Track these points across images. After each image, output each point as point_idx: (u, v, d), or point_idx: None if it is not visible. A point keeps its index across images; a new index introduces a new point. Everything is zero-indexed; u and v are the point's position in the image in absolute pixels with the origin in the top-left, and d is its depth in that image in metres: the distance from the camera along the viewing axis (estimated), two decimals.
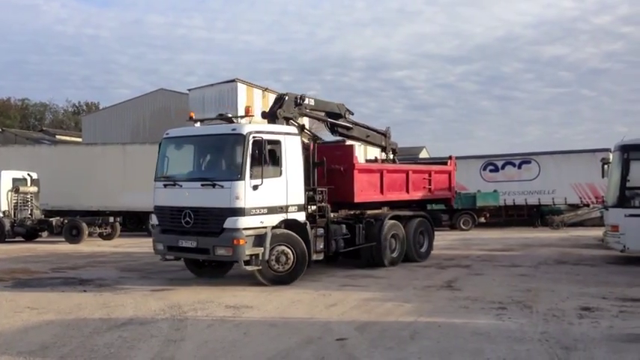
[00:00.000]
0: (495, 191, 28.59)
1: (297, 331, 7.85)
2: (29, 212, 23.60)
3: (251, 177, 10.81)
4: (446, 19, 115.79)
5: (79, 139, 45.07)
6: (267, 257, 11.04)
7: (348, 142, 15.20)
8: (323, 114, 14.24)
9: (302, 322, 8.43)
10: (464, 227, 27.67)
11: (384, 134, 15.91)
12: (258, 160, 10.92)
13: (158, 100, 40.49)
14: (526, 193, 29.60)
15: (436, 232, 24.00)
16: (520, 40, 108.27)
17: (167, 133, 12.31)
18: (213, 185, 10.92)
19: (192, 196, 11.20)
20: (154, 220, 12.01)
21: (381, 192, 14.24)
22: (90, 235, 22.76)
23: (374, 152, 20.01)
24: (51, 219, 23.24)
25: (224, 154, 11.75)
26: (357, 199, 13.35)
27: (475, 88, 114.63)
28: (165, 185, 11.76)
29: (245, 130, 11.07)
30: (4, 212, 22.90)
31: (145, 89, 42.23)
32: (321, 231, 12.28)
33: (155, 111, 39.91)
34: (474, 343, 7.04)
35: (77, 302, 10.03)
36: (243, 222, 10.72)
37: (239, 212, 10.70)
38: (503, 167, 30.50)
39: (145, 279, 12.77)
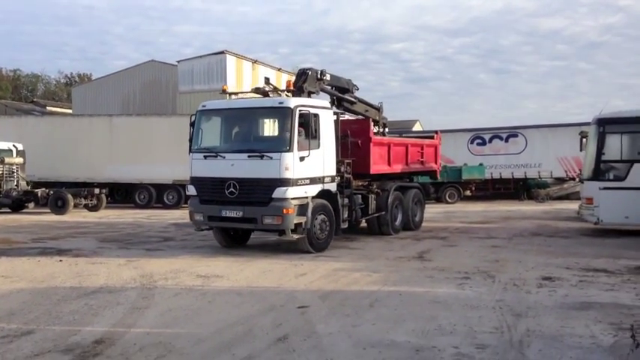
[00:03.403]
0: (481, 164, 28.66)
1: (261, 299, 8.03)
2: (15, 183, 23.60)
3: (298, 149, 11.19)
4: None
5: (70, 111, 44.93)
6: (309, 225, 11.44)
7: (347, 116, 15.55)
8: (332, 88, 14.43)
9: (268, 290, 8.61)
10: (449, 200, 27.88)
11: (378, 109, 16.17)
12: (303, 133, 11.32)
13: (149, 71, 40.35)
14: (513, 166, 29.72)
15: None
16: (518, 13, 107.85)
17: (203, 105, 12.44)
18: (262, 157, 11.18)
19: (238, 167, 11.40)
20: (191, 190, 12.17)
21: (389, 164, 15.04)
22: (76, 206, 22.86)
23: None
24: (36, 190, 23.32)
25: (269, 126, 12.22)
26: (372, 171, 14.09)
27: (472, 61, 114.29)
28: (205, 157, 11.91)
29: (292, 104, 11.41)
30: None
31: (141, 61, 41.84)
32: (346, 201, 12.85)
33: (146, 82, 39.82)
34: (430, 311, 7.23)
35: (51, 271, 10.19)
36: (291, 192, 11.11)
37: (287, 183, 11.07)
38: (490, 141, 30.56)
39: (123, 249, 12.92)
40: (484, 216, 20.50)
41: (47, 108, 54.33)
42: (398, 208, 15.23)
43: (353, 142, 13.54)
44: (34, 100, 65.89)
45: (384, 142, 15.08)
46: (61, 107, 54.96)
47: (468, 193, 28.66)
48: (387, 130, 16.76)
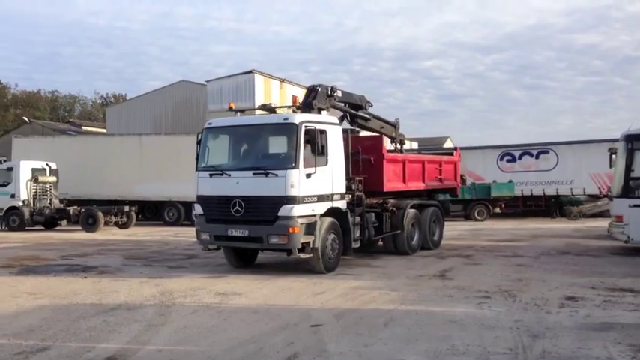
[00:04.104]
0: (510, 181, 28.27)
1: (276, 317, 8.02)
2: (48, 201, 24.25)
3: (304, 166, 10.97)
4: (476, 8, 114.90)
5: (105, 130, 45.86)
6: (317, 245, 11.18)
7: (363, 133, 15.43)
8: (345, 105, 14.27)
9: (284, 308, 8.59)
10: (478, 218, 27.50)
11: (395, 125, 16.04)
12: (309, 149, 11.11)
13: (180, 91, 40.99)
14: (544, 183, 29.23)
15: (449, 223, 24.01)
16: (552, 29, 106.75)
17: (209, 123, 12.34)
18: (267, 174, 10.98)
19: (243, 185, 11.23)
20: (197, 210, 12.04)
21: (404, 182, 14.72)
22: (106, 224, 23.29)
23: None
24: (69, 208, 23.86)
25: (275, 143, 11.90)
26: (385, 189, 13.75)
27: (505, 77, 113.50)
28: (211, 175, 11.77)
29: (297, 120, 11.22)
30: (23, 201, 23.64)
31: (175, 81, 42.64)
32: (358, 219, 12.54)
33: (177, 102, 40.45)
34: (445, 331, 7.12)
35: (75, 288, 10.37)
36: (297, 210, 10.86)
37: (293, 200, 10.84)
38: (520, 157, 30.12)
39: (146, 267, 13.08)
40: (512, 234, 20.17)
41: (83, 128, 55.64)
42: (415, 226, 14.81)
43: (365, 159, 13.27)
44: (70, 120, 67.53)
45: (398, 159, 14.78)
46: (96, 127, 56.22)
47: (497, 210, 28.22)
48: (405, 146, 16.56)
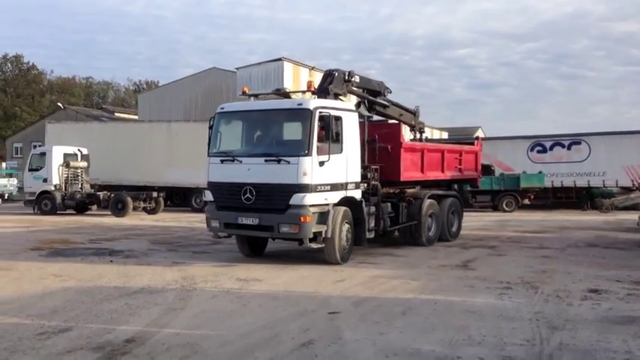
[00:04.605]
0: (540, 172, 27.88)
1: (295, 304, 8.06)
2: (79, 186, 24.72)
3: (317, 153, 10.62)
4: None
5: (137, 117, 46.50)
6: (329, 235, 10.83)
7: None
8: (363, 91, 13.85)
9: (303, 295, 8.63)
10: (506, 209, 27.17)
11: (414, 113, 15.72)
12: (323, 136, 10.73)
13: (210, 78, 41.29)
14: (575, 174, 28.78)
15: (476, 213, 23.89)
16: (590, 17, 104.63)
17: (222, 108, 11.97)
18: (279, 161, 10.64)
19: (255, 171, 10.91)
20: (208, 196, 11.83)
21: (422, 171, 14.38)
22: (135, 209, 23.65)
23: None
24: (99, 193, 24.29)
25: (288, 129, 11.56)
26: (402, 178, 13.41)
27: (540, 66, 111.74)
28: (222, 161, 11.44)
29: (312, 105, 10.83)
30: (55, 186, 24.13)
31: (206, 68, 43.11)
32: (373, 209, 12.18)
33: (207, 89, 40.74)
34: (463, 321, 7.07)
35: (100, 271, 10.56)
36: (310, 199, 10.51)
37: (305, 189, 10.49)
38: (551, 148, 29.71)
39: (171, 252, 13.27)
40: (540, 225, 19.90)
41: (115, 114, 56.53)
42: (432, 217, 14.38)
43: (382, 148, 12.88)
44: (104, 106, 68.62)
45: (416, 148, 14.44)
46: (128, 114, 57.03)
47: (526, 201, 27.86)
48: (424, 135, 16.22)
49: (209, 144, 11.80)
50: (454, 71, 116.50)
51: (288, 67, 34.78)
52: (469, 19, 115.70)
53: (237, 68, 37.05)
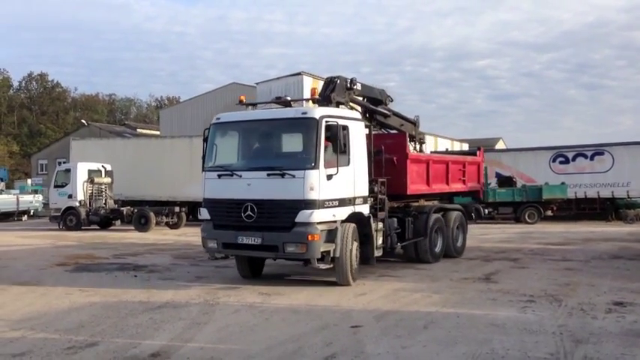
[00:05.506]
0: (563, 183, 27.59)
1: (317, 317, 8.11)
2: (103, 202, 25.08)
3: (325, 166, 9.85)
4: (531, 6, 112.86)
5: (159, 132, 47.10)
6: (338, 254, 10.07)
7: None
8: (364, 99, 13.21)
9: (325, 309, 8.67)
10: (529, 221, 26.87)
11: (414, 123, 15.19)
12: (331, 147, 9.99)
13: (230, 93, 41.64)
14: (598, 185, 28.39)
15: (499, 225, 23.66)
16: (611, 26, 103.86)
17: (218, 118, 11.04)
18: (283, 175, 9.82)
19: (256, 187, 10.08)
20: (203, 214, 10.80)
21: (428, 184, 13.87)
22: (158, 224, 23.93)
23: None
24: (122, 208, 24.61)
25: (292, 140, 10.78)
26: (409, 191, 12.82)
27: (562, 76, 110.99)
28: (220, 175, 10.55)
29: (318, 114, 10.02)
30: (80, 202, 24.49)
31: (226, 83, 43.75)
32: (380, 225, 11.40)
33: (227, 104, 40.96)
34: (485, 334, 7.06)
35: (124, 286, 10.72)
36: (317, 215, 9.69)
37: (312, 205, 9.68)
38: (574, 159, 29.35)
39: (194, 266, 13.40)
40: (563, 237, 19.69)
41: (138, 130, 57.28)
42: (438, 232, 13.62)
43: (387, 159, 12.18)
44: (126, 122, 69.58)
45: (422, 159, 13.80)
46: (150, 129, 57.78)
47: (549, 213, 27.56)
48: (424, 146, 15.78)
49: (204, 158, 10.92)
50: (474, 82, 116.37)
51: (307, 80, 35.03)
52: (489, 30, 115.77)
53: (257, 83, 37.43)
